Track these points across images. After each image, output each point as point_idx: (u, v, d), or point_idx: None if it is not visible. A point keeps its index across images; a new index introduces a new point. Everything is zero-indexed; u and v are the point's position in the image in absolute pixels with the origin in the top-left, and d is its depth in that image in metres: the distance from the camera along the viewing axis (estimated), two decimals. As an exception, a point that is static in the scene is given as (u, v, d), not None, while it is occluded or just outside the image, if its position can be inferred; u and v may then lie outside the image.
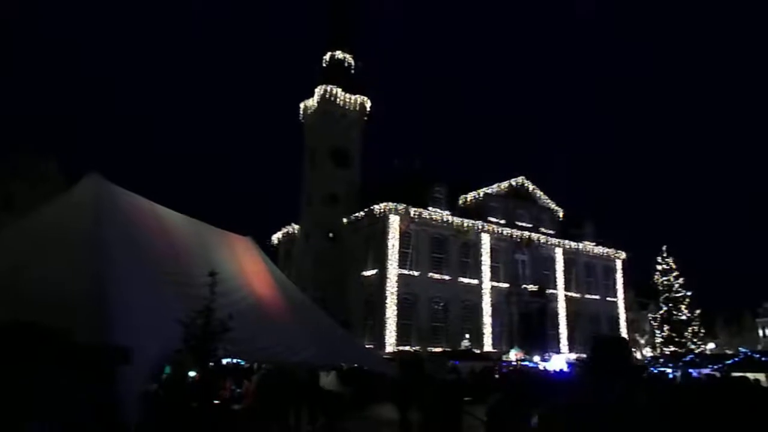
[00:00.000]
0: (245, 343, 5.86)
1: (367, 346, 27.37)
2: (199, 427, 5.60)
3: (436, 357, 29.18)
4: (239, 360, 12.02)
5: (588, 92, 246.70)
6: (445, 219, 36.09)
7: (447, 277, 35.77)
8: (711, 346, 48.83)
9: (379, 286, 33.49)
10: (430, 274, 35.21)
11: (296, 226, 42.23)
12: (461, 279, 36.39)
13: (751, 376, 14.87)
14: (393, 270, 33.39)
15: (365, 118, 42.11)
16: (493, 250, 38.06)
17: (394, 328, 32.41)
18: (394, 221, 34.09)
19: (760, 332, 68.07)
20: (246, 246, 9.15)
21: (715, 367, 20.95)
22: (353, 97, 41.24)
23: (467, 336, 34.62)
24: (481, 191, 39.68)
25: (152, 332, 5.09)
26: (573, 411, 2.64)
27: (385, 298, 32.75)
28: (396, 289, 33.16)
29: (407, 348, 31.84)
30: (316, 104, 40.92)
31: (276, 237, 45.62)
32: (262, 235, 41.31)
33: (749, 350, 23.25)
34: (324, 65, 42.92)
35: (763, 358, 19.74)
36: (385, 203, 34.07)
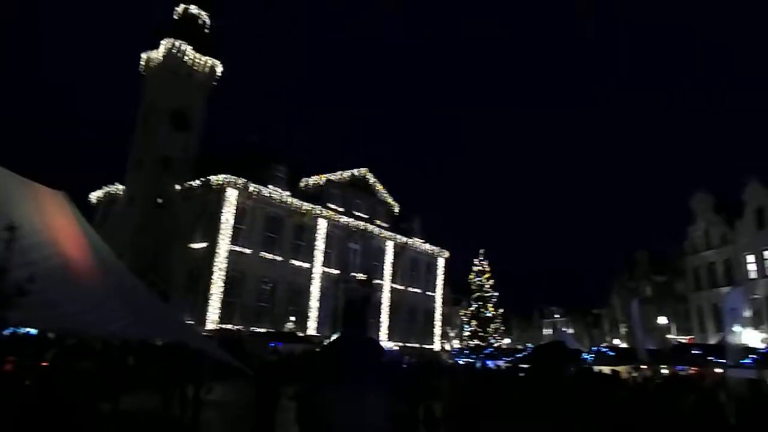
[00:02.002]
0: (47, 310, 5.13)
1: (187, 322, 25.97)
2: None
3: (258, 337, 28.86)
4: (30, 329, 10.55)
5: (439, 98, 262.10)
6: (284, 199, 35.61)
7: (279, 258, 35.37)
8: (507, 341, 55.49)
9: (206, 260, 31.91)
10: (262, 253, 34.51)
11: (121, 187, 38.47)
12: (293, 261, 36.26)
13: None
14: (224, 245, 32.06)
15: (214, 83, 39.77)
16: (328, 236, 38.56)
17: (218, 305, 31.21)
18: (232, 195, 32.74)
19: (545, 331, 79.58)
20: (56, 201, 7.99)
21: (508, 359, 23.77)
22: (204, 58, 38.65)
23: (292, 318, 34.69)
24: (324, 177, 39.95)
25: None
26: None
27: (212, 273, 31.35)
28: (225, 265, 31.91)
29: (229, 326, 30.93)
30: (161, 58, 37.53)
31: (95, 195, 41.14)
32: (80, 191, 36.91)
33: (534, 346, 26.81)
34: (175, 18, 39.55)
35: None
36: (224, 175, 32.54)
